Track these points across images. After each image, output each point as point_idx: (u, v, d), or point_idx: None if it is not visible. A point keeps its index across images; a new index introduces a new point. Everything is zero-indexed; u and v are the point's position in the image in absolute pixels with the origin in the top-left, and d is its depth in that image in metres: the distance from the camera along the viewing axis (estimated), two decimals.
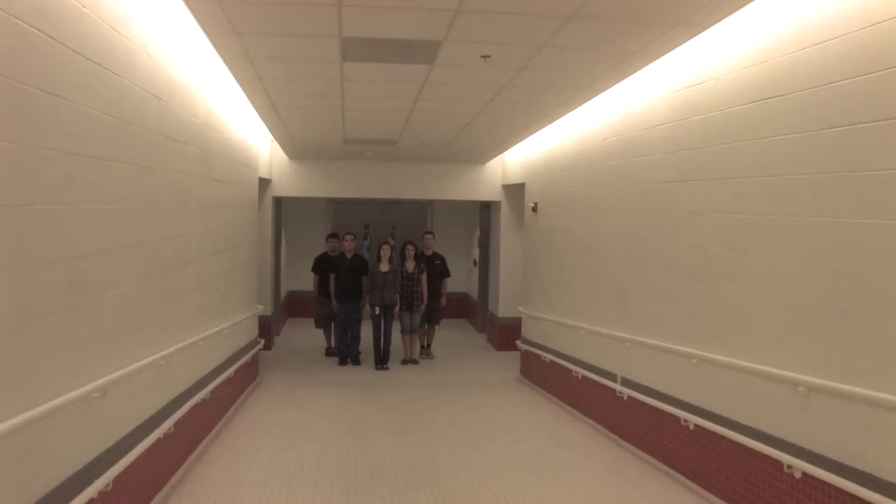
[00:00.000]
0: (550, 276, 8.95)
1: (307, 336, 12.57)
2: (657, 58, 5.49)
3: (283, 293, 13.56)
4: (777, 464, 4.46)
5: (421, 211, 15.22)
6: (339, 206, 14.90)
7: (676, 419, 5.65)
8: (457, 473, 5.86)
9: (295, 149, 10.72)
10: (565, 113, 7.75)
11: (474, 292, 14.32)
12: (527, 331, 9.86)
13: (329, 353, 11.11)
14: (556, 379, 8.55)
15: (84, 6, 3.69)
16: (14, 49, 3.07)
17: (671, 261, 5.84)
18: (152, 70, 4.69)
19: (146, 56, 4.58)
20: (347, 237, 10.67)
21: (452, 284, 14.37)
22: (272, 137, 10.22)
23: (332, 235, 11.14)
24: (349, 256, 10.57)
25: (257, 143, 9.56)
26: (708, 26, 4.76)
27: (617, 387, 6.74)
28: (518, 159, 10.75)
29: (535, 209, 9.61)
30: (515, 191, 11.49)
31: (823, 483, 4.07)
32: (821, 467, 4.08)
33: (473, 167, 11.99)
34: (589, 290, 7.65)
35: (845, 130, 3.92)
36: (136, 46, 4.37)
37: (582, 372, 7.60)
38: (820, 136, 4.10)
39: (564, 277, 8.43)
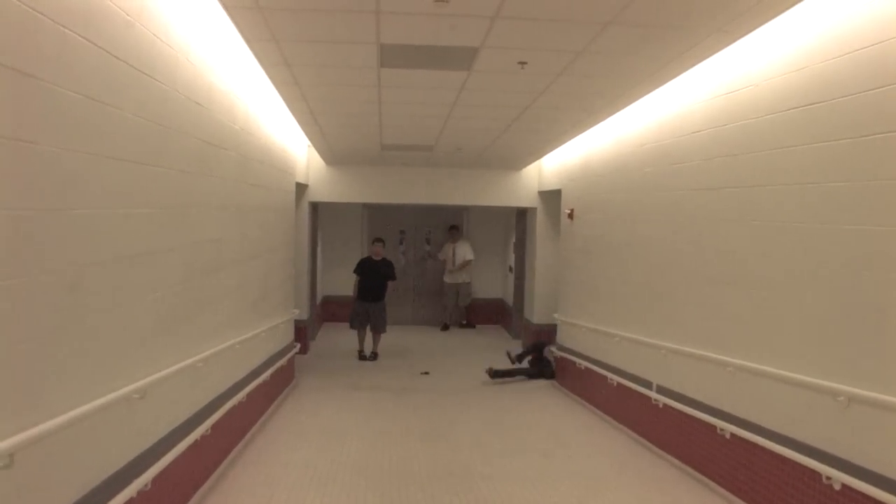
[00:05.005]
0: (585, 283, 8.91)
1: (342, 340, 12.68)
2: (694, 64, 5.44)
3: (318, 298, 13.60)
4: (815, 475, 4.41)
5: (457, 216, 15.23)
6: (376, 212, 14.96)
7: (712, 428, 5.59)
8: (491, 479, 5.84)
9: (332, 154, 10.71)
10: (602, 119, 7.69)
11: (509, 298, 14.26)
12: (561, 337, 9.82)
13: (361, 356, 11.40)
14: (590, 385, 8.51)
15: (128, 14, 3.73)
16: (59, 56, 3.12)
17: (707, 268, 5.79)
18: (193, 76, 4.71)
19: (187, 63, 4.61)
20: (375, 244, 11.61)
21: (487, 289, 14.64)
22: (309, 143, 10.23)
23: (378, 240, 11.74)
24: (376, 259, 11.42)
25: (295, 148, 9.57)
26: (746, 33, 4.71)
27: (652, 394, 6.67)
28: (554, 166, 10.69)
29: (570, 216, 9.56)
30: (551, 197, 11.40)
31: (863, 495, 4.01)
32: (861, 479, 4.01)
33: (510, 173, 11.97)
34: (624, 296, 7.59)
35: (887, 137, 3.85)
36: (177, 53, 4.40)
37: (617, 379, 7.55)
38: (861, 143, 4.04)
39: (599, 284, 8.39)
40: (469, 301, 14.54)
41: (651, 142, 6.79)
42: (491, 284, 15.10)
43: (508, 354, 10.44)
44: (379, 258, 11.54)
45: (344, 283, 12.78)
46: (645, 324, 6.96)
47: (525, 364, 10.36)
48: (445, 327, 14.46)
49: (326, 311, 14.73)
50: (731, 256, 5.40)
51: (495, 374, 9.97)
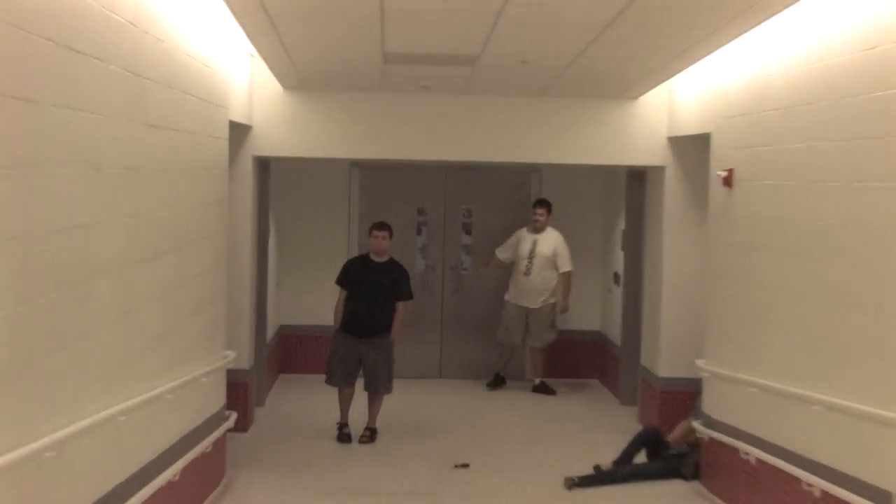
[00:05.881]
0: (757, 304, 9.04)
1: (312, 405, 13.04)
2: None
3: (271, 330, 13.76)
4: None
5: (519, 185, 15.28)
6: (373, 176, 15.06)
7: None
8: None
9: (295, 72, 10.87)
10: (785, 7, 7.63)
11: (614, 331, 14.44)
12: (712, 403, 9.88)
13: (345, 434, 11.66)
14: (768, 493, 8.54)
15: None
16: None
17: None
18: None
19: None
20: (376, 234, 11.80)
21: (575, 317, 14.82)
22: (254, 51, 10.40)
23: (379, 227, 11.87)
24: (377, 261, 11.81)
25: (228, 62, 9.76)
26: None
27: None
28: (697, 94, 10.88)
29: (728, 181, 9.68)
30: (693, 148, 11.54)
31: None
32: None
33: (614, 105, 12.11)
34: (838, 329, 7.54)
35: None
36: None
37: (822, 484, 7.45)
38: None
39: (786, 306, 8.46)
40: (552, 339, 14.52)
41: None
42: (581, 308, 15.13)
43: (597, 470, 10.39)
44: (382, 259, 11.88)
45: (315, 305, 13.43)
46: (882, 384, 6.86)
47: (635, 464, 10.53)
48: (497, 382, 14.65)
49: (285, 352, 14.93)
50: None
51: (583, 483, 10.07)
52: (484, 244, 15.13)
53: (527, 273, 14.14)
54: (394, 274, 11.81)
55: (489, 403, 14.00)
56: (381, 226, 11.93)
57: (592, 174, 14.99)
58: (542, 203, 14.28)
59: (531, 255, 14.04)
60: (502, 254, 14.43)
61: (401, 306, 11.76)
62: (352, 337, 11.60)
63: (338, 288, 11.84)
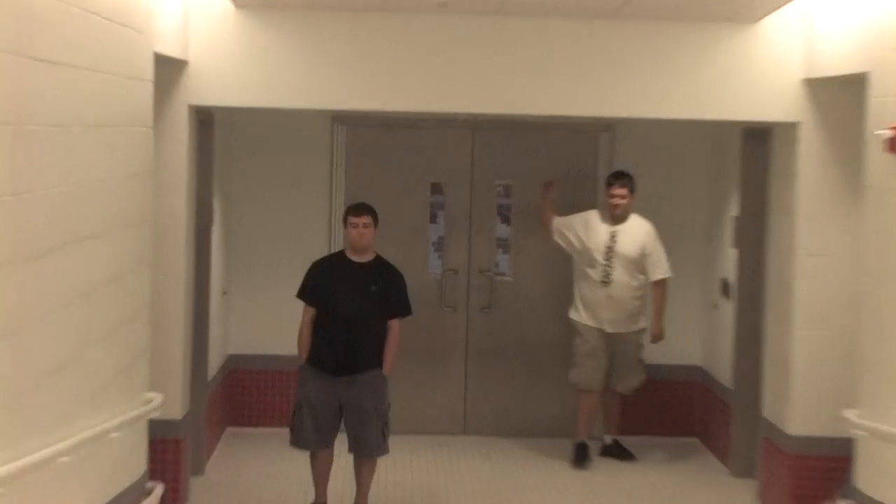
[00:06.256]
0: None
1: (272, 472, 13.05)
2: None
3: (214, 364, 13.59)
4: None
5: (581, 151, 14.85)
6: (365, 137, 14.78)
7: None
8: None
9: None
10: None
11: (721, 368, 14.12)
12: (869, 476, 9.34)
13: None
14: None
15: None
16: None
17: None
18: None
19: None
20: (354, 220, 11.62)
21: (667, 348, 14.61)
22: None
23: (357, 210, 11.68)
24: (357, 261, 11.65)
25: None
26: None
27: None
28: (849, 16, 10.59)
29: (894, 144, 9.30)
30: (841, 96, 11.28)
31: None
32: None
33: (725, 32, 11.73)
34: None
35: None
36: None
37: None
38: None
39: None
40: (641, 381, 14.31)
41: None
42: (674, 333, 14.60)
43: None
44: (364, 258, 11.70)
45: (280, 325, 13.17)
46: None
47: None
48: (582, 455, 14.01)
49: (234, 396, 14.84)
50: None
51: None
52: (528, 237, 14.83)
53: (605, 282, 13.57)
54: (383, 278, 11.62)
55: (536, 474, 13.60)
56: (361, 209, 11.70)
57: (691, 135, 14.61)
58: (623, 178, 13.72)
59: (608, 256, 13.50)
60: (560, 234, 13.88)
61: (395, 325, 11.60)
62: (325, 375, 11.36)
63: (302, 304, 11.76)
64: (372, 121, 14.44)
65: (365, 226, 11.48)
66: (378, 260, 11.74)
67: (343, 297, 11.46)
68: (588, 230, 13.69)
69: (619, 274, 13.53)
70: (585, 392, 13.84)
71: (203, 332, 12.64)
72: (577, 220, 13.82)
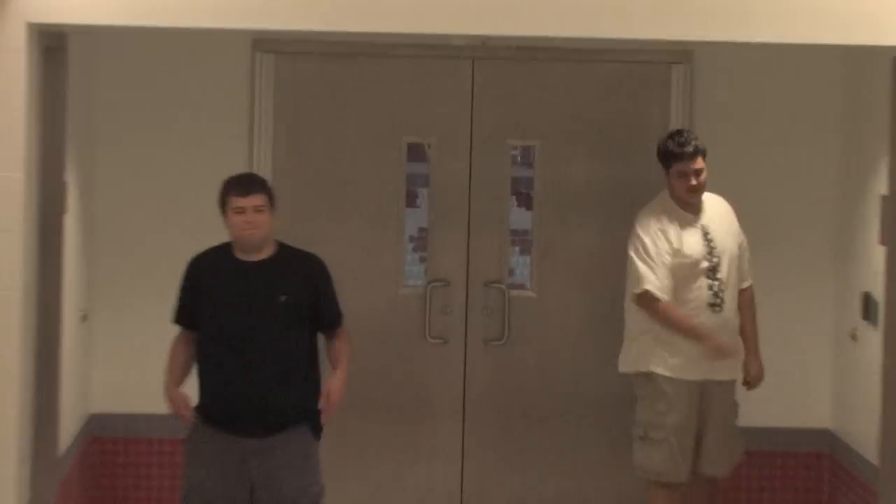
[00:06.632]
0: None
1: None
2: None
3: (69, 428, 11.26)
4: None
5: (647, 92, 12.08)
6: (307, 73, 12.17)
7: None
8: None
9: None
10: None
11: (863, 434, 11.43)
12: None
13: None
14: None
15: None
16: None
17: None
18: None
19: None
20: (238, 202, 9.57)
21: (774, 403, 12.40)
22: None
23: (240, 187, 9.71)
24: (250, 260, 9.59)
25: None
26: None
27: None
28: None
29: None
30: None
31: None
32: None
33: None
34: None
35: None
36: None
37: None
38: None
39: None
40: (742, 453, 11.44)
41: None
42: (782, 378, 11.73)
43: None
44: (261, 254, 9.44)
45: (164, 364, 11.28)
46: None
47: None
48: None
49: (97, 478, 12.47)
50: None
51: None
52: (561, 230, 11.77)
53: (714, 305, 10.63)
54: (296, 277, 9.31)
55: None
56: (249, 184, 9.34)
57: (808, 70, 11.63)
58: (697, 144, 10.66)
59: (713, 265, 10.62)
60: (663, 288, 10.69)
61: (342, 336, 9.35)
62: (224, 437, 9.16)
63: (178, 329, 9.58)
64: (315, 46, 11.58)
65: (257, 210, 8.98)
66: (282, 252, 9.22)
67: (233, 315, 9.04)
68: (668, 239, 10.61)
69: (730, 290, 10.68)
70: (666, 487, 10.77)
71: (51, 381, 10.24)
72: (649, 244, 10.48)
